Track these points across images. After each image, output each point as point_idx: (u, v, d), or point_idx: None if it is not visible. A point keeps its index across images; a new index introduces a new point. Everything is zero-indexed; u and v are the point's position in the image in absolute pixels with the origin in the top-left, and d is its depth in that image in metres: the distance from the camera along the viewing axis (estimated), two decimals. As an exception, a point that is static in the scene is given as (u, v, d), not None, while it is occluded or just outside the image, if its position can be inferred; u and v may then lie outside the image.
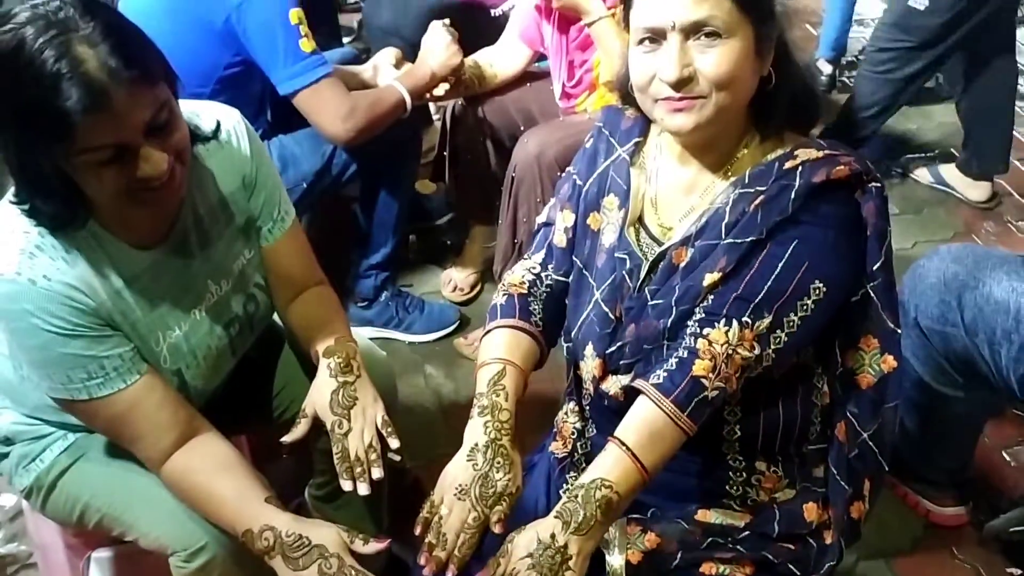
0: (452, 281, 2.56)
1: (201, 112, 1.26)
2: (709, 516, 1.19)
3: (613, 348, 1.20)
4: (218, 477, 1.19)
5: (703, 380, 1.07)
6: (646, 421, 1.08)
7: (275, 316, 1.53)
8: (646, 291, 1.18)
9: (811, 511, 1.19)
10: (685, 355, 1.09)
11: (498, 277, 2.31)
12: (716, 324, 1.08)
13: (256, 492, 1.18)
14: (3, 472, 1.39)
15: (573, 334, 1.27)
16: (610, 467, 1.07)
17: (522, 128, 2.27)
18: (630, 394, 1.16)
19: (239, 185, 1.32)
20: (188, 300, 1.25)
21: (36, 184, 1.07)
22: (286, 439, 1.30)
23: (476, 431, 1.15)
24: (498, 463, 1.12)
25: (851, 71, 3.68)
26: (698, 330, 1.09)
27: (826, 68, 3.60)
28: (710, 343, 1.08)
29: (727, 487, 1.20)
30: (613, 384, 1.20)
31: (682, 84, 1.07)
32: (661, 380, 1.09)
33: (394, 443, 1.26)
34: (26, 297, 1.09)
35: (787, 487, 1.21)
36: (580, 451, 1.32)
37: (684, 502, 1.21)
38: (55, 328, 1.11)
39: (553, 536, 1.03)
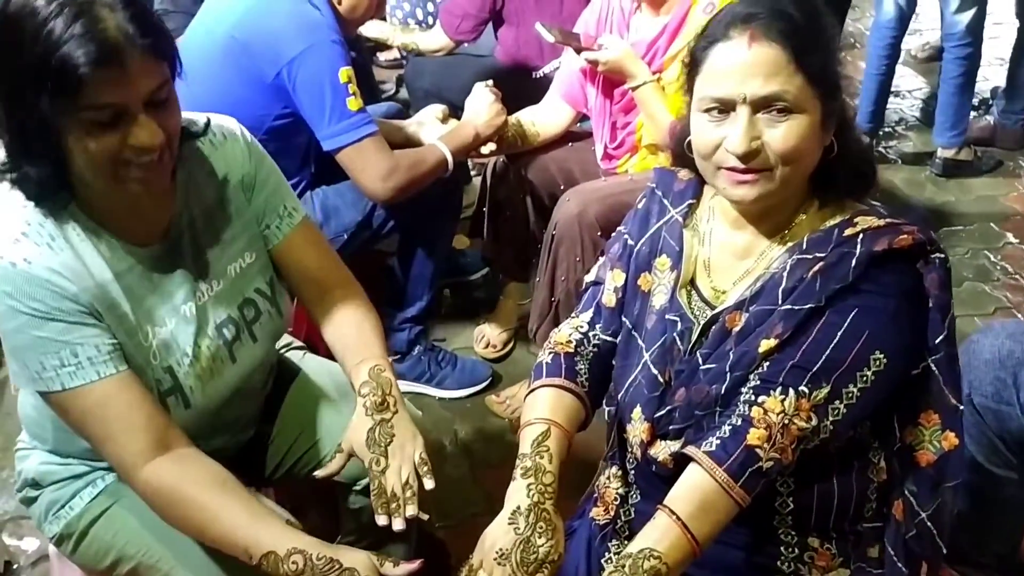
0: (485, 337, 2.55)
1: (194, 115, 1.27)
2: (754, 589, 1.14)
3: (662, 412, 1.17)
4: (222, 493, 1.15)
5: (758, 450, 1.03)
6: (697, 490, 1.05)
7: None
8: (697, 355, 1.16)
9: (867, 593, 1.14)
10: (739, 423, 1.06)
11: (532, 335, 2.30)
12: (772, 392, 1.05)
13: (271, 513, 1.15)
14: (32, 517, 1.37)
15: (620, 396, 1.24)
16: (659, 537, 1.03)
17: (562, 187, 2.26)
18: (680, 461, 1.13)
19: (237, 185, 1.31)
20: (177, 297, 1.24)
21: (29, 145, 1.08)
22: (319, 474, 1.27)
23: (518, 494, 1.12)
24: (541, 528, 1.08)
25: (887, 142, 3.68)
26: (753, 398, 1.06)
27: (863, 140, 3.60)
28: (765, 412, 1.05)
29: (778, 563, 1.15)
30: (662, 450, 1.17)
31: (750, 157, 1.06)
32: (714, 448, 1.05)
33: (429, 484, 1.22)
34: (5, 278, 1.10)
35: (840, 566, 1.16)
36: (623, 518, 1.27)
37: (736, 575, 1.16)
38: (31, 310, 1.10)
39: None
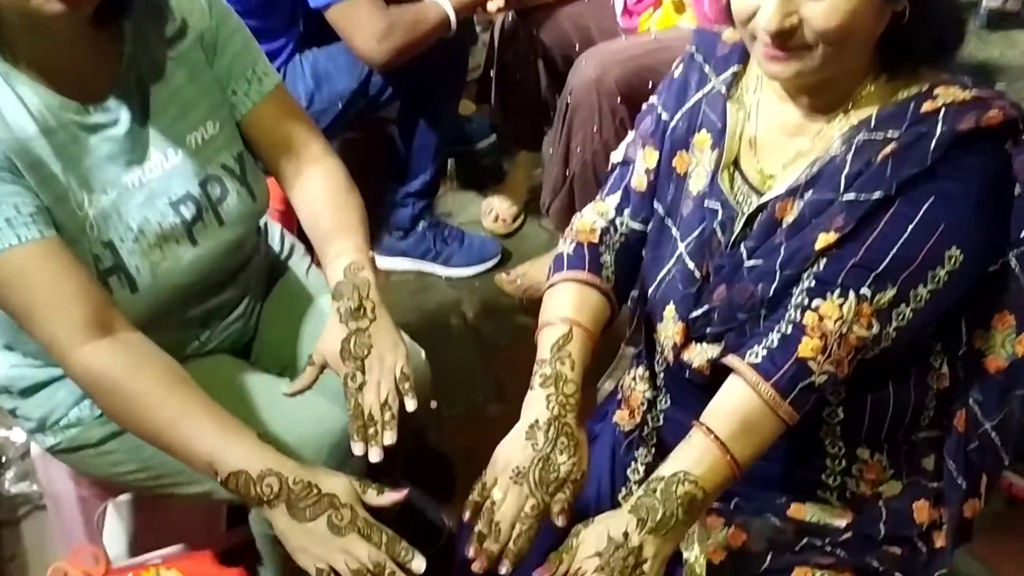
0: (493, 211, 2.41)
1: None
2: (804, 512, 1.04)
3: (698, 312, 1.04)
4: (181, 393, 1.02)
5: (810, 363, 0.91)
6: (740, 407, 0.93)
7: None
8: (741, 248, 1.01)
9: (922, 510, 1.04)
10: (789, 331, 0.93)
11: (545, 210, 2.15)
12: (828, 295, 0.92)
13: (241, 426, 1.02)
14: (25, 430, 1.27)
15: (651, 292, 1.10)
16: (695, 459, 0.92)
17: (578, 48, 2.06)
18: (718, 369, 1.00)
19: (195, 43, 1.15)
20: (121, 164, 1.09)
21: None
22: (288, 389, 1.15)
23: (537, 405, 1.00)
24: (562, 444, 0.97)
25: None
26: (806, 302, 0.93)
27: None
28: (820, 318, 0.92)
29: (823, 476, 1.05)
30: (697, 355, 1.04)
31: (783, 36, 0.89)
32: (760, 359, 0.93)
33: (411, 404, 1.09)
34: None
35: (892, 478, 1.05)
36: (651, 425, 1.16)
37: (773, 492, 1.06)
38: None
39: (626, 535, 0.89)
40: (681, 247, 1.07)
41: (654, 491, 0.90)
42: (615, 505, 1.14)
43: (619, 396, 1.25)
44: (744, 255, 1.01)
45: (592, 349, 1.07)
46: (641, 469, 1.15)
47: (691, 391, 1.08)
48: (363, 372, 1.09)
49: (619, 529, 0.89)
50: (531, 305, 2.16)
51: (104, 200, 1.08)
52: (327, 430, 1.22)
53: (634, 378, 1.21)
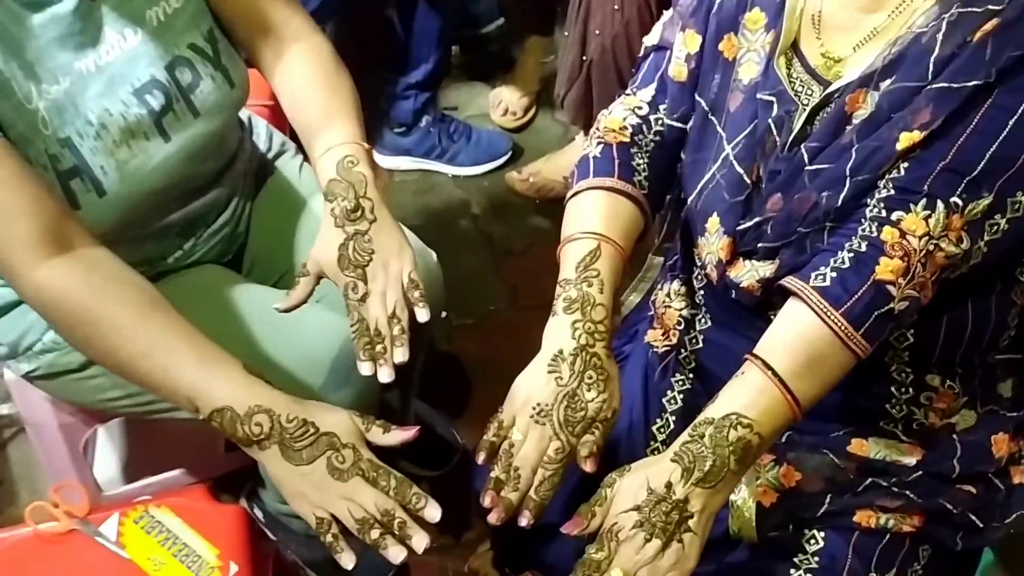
0: (503, 103, 2.25)
1: None
2: (867, 448, 0.92)
3: (748, 224, 0.90)
4: (157, 318, 0.88)
5: (889, 287, 0.78)
6: (802, 339, 0.80)
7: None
8: (802, 150, 0.86)
9: (1000, 444, 0.92)
10: (864, 248, 0.79)
11: (559, 102, 1.97)
12: (913, 206, 0.78)
13: (224, 354, 0.89)
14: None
15: (692, 201, 0.96)
16: (750, 399, 0.79)
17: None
18: (770, 289, 0.87)
19: None
20: (71, 47, 0.95)
21: None
22: (280, 305, 1.01)
23: (561, 333, 0.87)
24: (590, 378, 0.84)
25: None
26: (885, 214, 0.79)
27: None
28: (902, 234, 0.78)
29: (887, 406, 0.92)
30: (746, 274, 0.90)
31: None
32: (828, 283, 0.79)
33: (423, 314, 0.96)
34: None
35: (965, 407, 0.93)
36: (689, 348, 1.04)
37: (831, 424, 0.94)
38: None
39: (669, 486, 0.77)
40: (728, 148, 0.92)
41: (702, 436, 0.78)
42: (648, 438, 1.04)
43: (650, 312, 1.12)
44: (805, 158, 0.86)
45: (623, 267, 0.93)
46: (679, 398, 1.03)
47: (736, 312, 0.95)
48: (365, 281, 0.96)
49: (661, 479, 0.77)
50: (546, 205, 2.02)
51: (55, 91, 0.93)
52: (329, 347, 1.11)
53: (668, 294, 1.08)
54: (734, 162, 0.91)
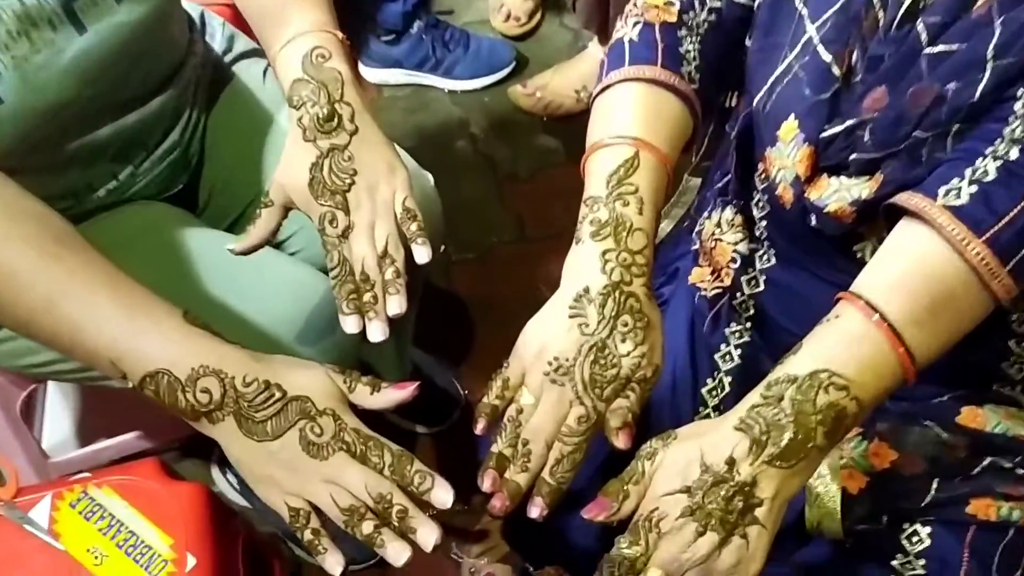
0: (505, 6, 2.02)
1: None
2: (982, 419, 0.72)
3: (837, 130, 0.69)
4: (65, 262, 0.67)
5: None
6: (926, 274, 0.60)
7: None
8: (917, 27, 0.65)
9: None
10: (1016, 156, 0.59)
11: (571, 5, 1.75)
12: None
13: (158, 303, 0.67)
14: None
15: (758, 101, 0.74)
16: (848, 353, 0.59)
17: None
18: (866, 215, 0.66)
19: None
20: None
21: None
22: (236, 245, 0.80)
23: (588, 266, 0.66)
24: (625, 325, 0.64)
25: None
26: None
27: None
28: None
29: (1003, 365, 0.73)
30: (835, 195, 0.70)
31: None
32: (967, 200, 0.59)
33: (422, 255, 0.76)
34: None
35: (1106, 362, 0.73)
36: (747, 291, 0.83)
37: (934, 388, 0.74)
38: None
39: (732, 463, 0.58)
40: (811, 29, 0.70)
41: (779, 399, 0.58)
42: (697, 404, 0.84)
43: (694, 247, 0.92)
44: (922, 37, 0.64)
45: (668, 183, 0.72)
46: (735, 354, 0.83)
47: (811, 245, 0.75)
48: (347, 211, 0.75)
49: (720, 453, 0.58)
50: (554, 124, 1.80)
51: None
52: (299, 301, 0.91)
53: (719, 224, 0.87)
54: (819, 47, 0.69)
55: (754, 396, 0.60)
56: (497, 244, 1.65)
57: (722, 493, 0.57)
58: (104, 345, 0.65)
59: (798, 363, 0.60)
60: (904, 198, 0.62)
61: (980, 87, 0.61)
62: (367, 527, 0.62)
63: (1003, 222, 0.58)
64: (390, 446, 0.64)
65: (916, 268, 0.60)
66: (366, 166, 0.76)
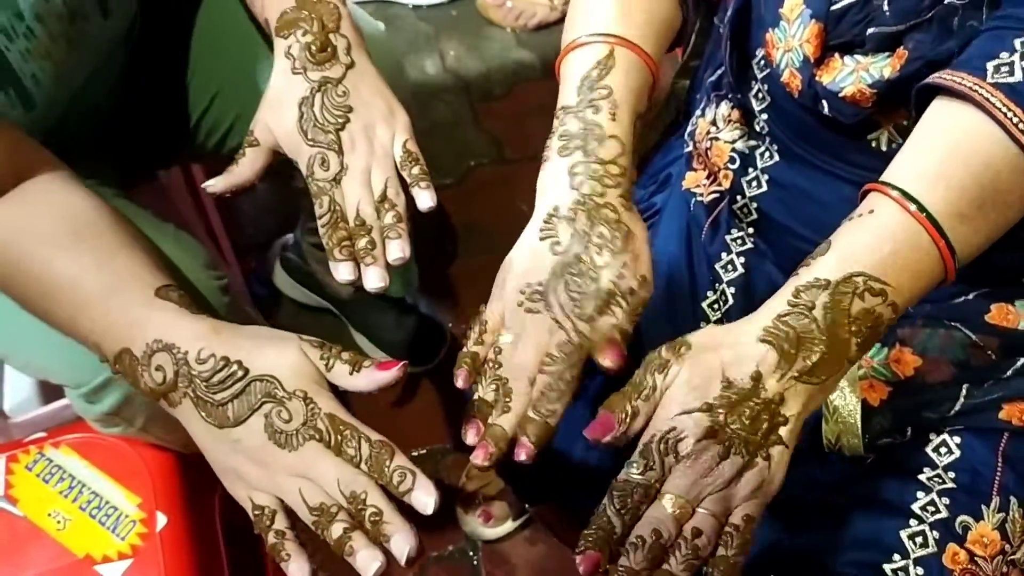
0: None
1: None
2: (1013, 317, 0.66)
3: (849, 1, 0.60)
4: (67, 246, 0.63)
5: None
6: (972, 162, 0.53)
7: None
8: None
9: None
10: None
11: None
12: None
13: (139, 279, 0.62)
14: None
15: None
16: (884, 252, 0.52)
17: None
18: (888, 98, 0.59)
19: None
20: None
21: None
22: (213, 185, 0.70)
23: (556, 184, 0.59)
24: (600, 236, 0.57)
25: None
26: None
27: None
28: None
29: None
30: (851, 76, 0.62)
31: None
32: (1020, 78, 0.52)
33: (425, 200, 0.67)
34: None
35: None
36: (748, 193, 0.76)
37: (959, 286, 0.67)
38: None
39: (758, 378, 0.51)
40: None
41: (810, 307, 0.51)
42: (698, 320, 0.77)
43: (687, 149, 0.84)
44: None
45: (649, 82, 0.63)
46: (737, 263, 0.76)
47: (820, 139, 0.67)
48: (339, 152, 0.67)
49: (744, 368, 0.51)
50: (528, 36, 1.69)
51: None
52: None
53: (714, 122, 0.79)
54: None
55: (779, 303, 0.53)
56: (475, 167, 1.56)
57: (747, 412, 0.50)
58: (83, 322, 0.61)
59: (828, 266, 0.52)
60: (947, 76, 0.54)
61: None
62: (336, 530, 0.53)
63: None
64: (369, 435, 0.55)
65: (960, 155, 0.53)
66: (363, 104, 0.68)
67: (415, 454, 1.26)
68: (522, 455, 0.55)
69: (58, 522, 0.82)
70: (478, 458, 0.55)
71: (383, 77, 0.72)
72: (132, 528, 0.82)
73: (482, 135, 1.60)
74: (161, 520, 0.83)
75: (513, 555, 1.17)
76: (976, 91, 0.52)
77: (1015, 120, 0.51)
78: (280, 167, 0.71)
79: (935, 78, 0.54)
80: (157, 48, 0.86)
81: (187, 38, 0.90)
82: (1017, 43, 0.52)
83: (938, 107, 0.54)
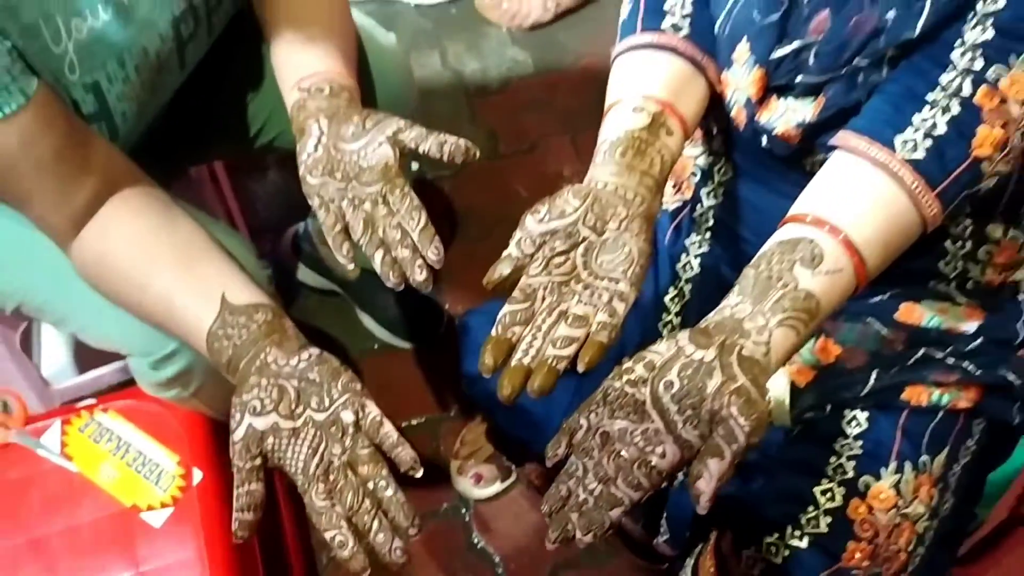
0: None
1: None
2: (917, 314, 0.79)
3: (785, 52, 0.72)
4: (153, 245, 0.76)
5: (983, 164, 0.63)
6: (888, 213, 0.65)
7: None
8: (858, -48, 0.67)
9: (1072, 302, 0.79)
10: (959, 112, 0.63)
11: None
12: (1015, 58, 0.61)
13: (223, 268, 0.75)
14: None
15: (719, 24, 0.77)
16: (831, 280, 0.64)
17: None
18: (812, 136, 0.71)
19: None
20: None
21: None
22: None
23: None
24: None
25: None
26: (981, 67, 0.62)
27: None
28: (1002, 100, 0.62)
29: (940, 264, 0.79)
30: (782, 117, 0.74)
31: None
32: (924, 156, 0.63)
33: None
34: None
35: (1030, 257, 0.79)
36: (706, 203, 0.88)
37: (875, 286, 0.79)
38: None
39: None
40: (758, -49, 0.73)
41: (761, 308, 0.62)
42: (660, 313, 0.90)
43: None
44: (861, -39, 0.67)
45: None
46: (695, 264, 0.89)
47: (766, 161, 0.79)
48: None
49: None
50: (523, 35, 1.80)
51: (86, 29, 0.75)
52: None
53: (679, 139, 0.91)
54: (766, -29, 0.72)
55: (735, 302, 0.62)
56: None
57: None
58: (177, 311, 0.74)
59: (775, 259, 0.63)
60: (864, 147, 0.65)
61: (920, 22, 0.63)
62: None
63: (951, 178, 0.63)
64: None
65: (877, 201, 0.64)
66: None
67: (415, 422, 1.39)
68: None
69: (107, 477, 0.95)
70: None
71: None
72: (172, 482, 0.95)
73: (478, 128, 1.69)
74: (197, 475, 0.96)
75: (501, 512, 1.29)
76: (889, 163, 0.64)
77: (919, 191, 0.63)
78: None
79: (856, 148, 0.65)
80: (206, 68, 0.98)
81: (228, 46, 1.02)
82: (916, 119, 0.63)
83: (859, 164, 0.65)
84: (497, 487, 1.30)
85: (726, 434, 0.56)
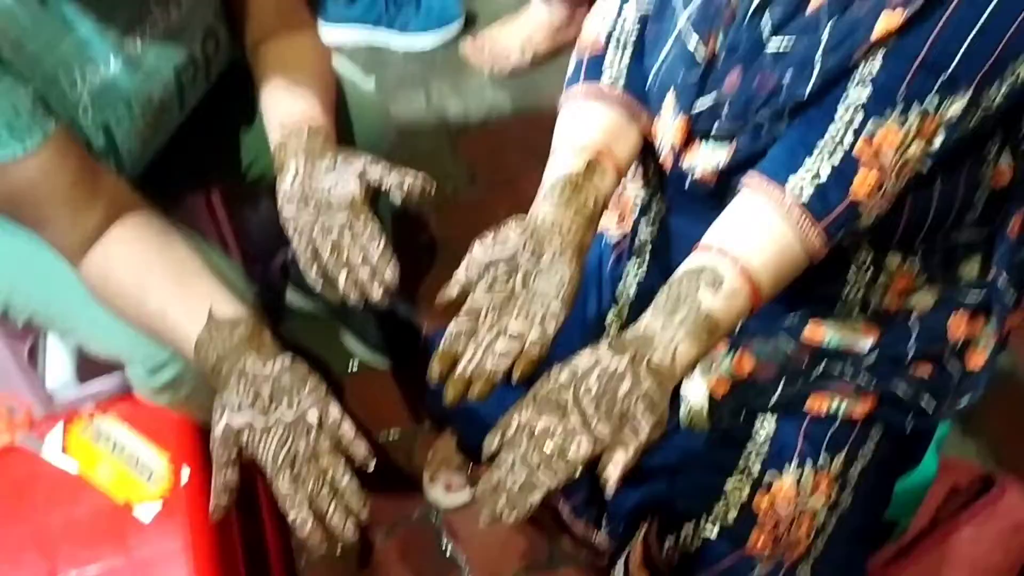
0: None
1: None
2: (822, 333, 0.89)
3: (705, 105, 0.83)
4: (151, 268, 0.87)
5: (861, 206, 0.74)
6: (776, 241, 0.75)
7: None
8: (762, 25, 0.79)
9: (957, 325, 0.89)
10: (839, 162, 0.73)
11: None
12: (888, 113, 0.71)
13: (211, 281, 0.87)
14: None
15: (650, 79, 0.89)
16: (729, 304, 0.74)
17: None
18: (726, 178, 0.82)
19: None
20: (120, 24, 0.87)
21: None
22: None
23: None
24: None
25: None
26: (860, 123, 0.73)
27: None
28: (876, 153, 0.72)
29: (843, 291, 0.89)
30: (701, 161, 0.84)
31: None
32: (808, 199, 0.74)
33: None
34: None
35: (923, 287, 0.90)
36: (644, 233, 0.99)
37: (785, 309, 0.91)
38: None
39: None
40: (682, 17, 0.84)
41: (682, 320, 0.72)
42: (600, 334, 1.00)
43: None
44: (764, 33, 0.78)
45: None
46: (632, 287, 1.00)
47: (692, 197, 0.90)
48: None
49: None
50: (503, 80, 1.92)
51: (99, 75, 0.87)
52: None
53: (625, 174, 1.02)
54: (688, 32, 0.83)
55: (655, 313, 0.73)
56: (452, 192, 1.77)
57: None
58: (169, 324, 0.85)
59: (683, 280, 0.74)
60: (764, 187, 0.76)
61: (809, 84, 0.74)
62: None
63: (832, 216, 0.74)
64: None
65: (770, 236, 0.75)
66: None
67: (391, 435, 1.48)
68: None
69: (104, 475, 1.05)
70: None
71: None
72: (163, 479, 1.05)
73: (459, 163, 1.81)
74: (186, 471, 1.05)
75: (469, 519, 1.38)
76: (782, 203, 0.74)
77: (805, 228, 0.74)
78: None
79: (757, 187, 0.76)
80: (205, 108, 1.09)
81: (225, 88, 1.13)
82: (807, 164, 0.74)
83: (760, 202, 0.76)
84: (466, 495, 1.39)
85: (632, 431, 0.67)
